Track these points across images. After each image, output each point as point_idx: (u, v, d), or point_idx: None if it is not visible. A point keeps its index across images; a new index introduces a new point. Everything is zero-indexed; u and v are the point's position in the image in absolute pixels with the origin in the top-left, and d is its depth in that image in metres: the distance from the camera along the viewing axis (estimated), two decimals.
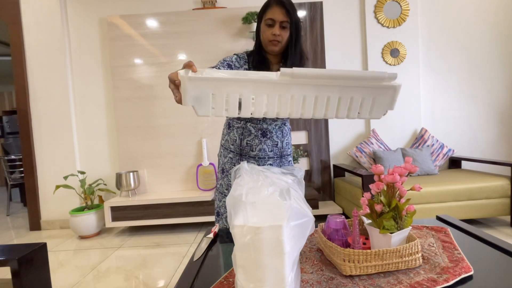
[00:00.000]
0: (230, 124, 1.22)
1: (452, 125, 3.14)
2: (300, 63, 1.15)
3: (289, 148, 1.25)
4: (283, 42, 1.09)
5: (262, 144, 1.18)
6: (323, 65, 2.95)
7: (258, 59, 1.12)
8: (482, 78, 3.12)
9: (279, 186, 0.67)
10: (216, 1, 3.00)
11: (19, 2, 2.93)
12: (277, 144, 1.20)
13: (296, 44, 1.11)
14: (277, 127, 1.20)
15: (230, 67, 1.10)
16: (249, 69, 1.14)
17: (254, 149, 1.18)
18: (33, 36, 2.96)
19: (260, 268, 0.60)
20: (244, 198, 0.63)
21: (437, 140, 2.97)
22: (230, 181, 1.22)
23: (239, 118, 1.19)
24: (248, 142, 1.18)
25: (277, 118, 1.14)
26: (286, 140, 1.23)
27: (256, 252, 0.60)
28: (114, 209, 2.71)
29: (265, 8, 1.09)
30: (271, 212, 0.61)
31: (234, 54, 1.16)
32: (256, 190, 0.65)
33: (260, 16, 1.11)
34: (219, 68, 1.05)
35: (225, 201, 1.23)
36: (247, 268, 0.61)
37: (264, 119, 1.17)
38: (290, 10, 1.06)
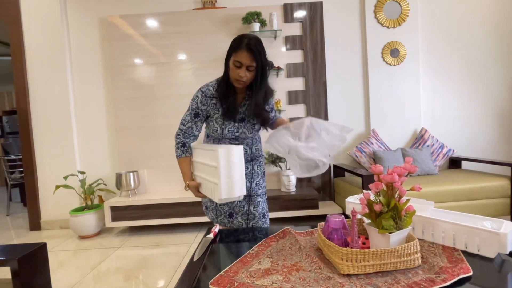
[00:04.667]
0: (208, 135, 1.38)
1: (452, 125, 3.14)
2: (264, 100, 1.26)
3: (258, 153, 1.44)
4: (248, 81, 1.20)
5: None
6: (323, 65, 2.95)
7: (225, 89, 1.23)
8: (482, 78, 3.12)
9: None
10: (216, 1, 3.00)
11: (19, 2, 2.94)
12: (246, 151, 1.37)
13: (261, 84, 1.21)
14: (248, 139, 1.37)
15: (198, 115, 1.27)
16: (217, 102, 1.26)
17: None
18: (33, 36, 2.96)
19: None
20: None
21: (437, 140, 2.97)
22: None
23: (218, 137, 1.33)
24: None
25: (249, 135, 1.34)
26: (256, 146, 1.41)
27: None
28: (114, 209, 2.71)
29: (235, 48, 1.15)
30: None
31: (201, 92, 1.25)
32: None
33: (230, 52, 1.18)
34: (190, 125, 1.27)
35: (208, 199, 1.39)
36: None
37: (238, 139, 1.34)
38: (257, 56, 1.14)
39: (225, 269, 0.80)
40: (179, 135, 1.29)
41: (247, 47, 1.12)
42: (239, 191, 1.07)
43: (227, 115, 1.25)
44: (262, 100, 1.25)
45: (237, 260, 0.86)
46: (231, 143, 1.31)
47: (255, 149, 1.43)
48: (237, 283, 0.73)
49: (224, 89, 1.22)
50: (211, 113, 1.26)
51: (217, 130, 1.27)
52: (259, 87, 1.21)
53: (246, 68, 1.15)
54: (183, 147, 1.29)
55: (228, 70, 1.20)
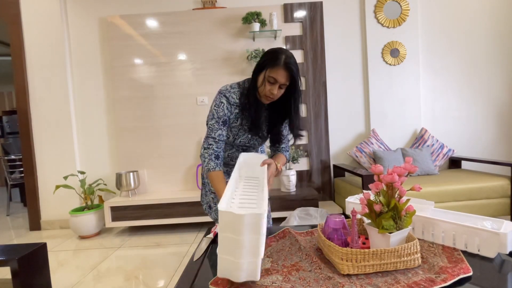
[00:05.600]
0: None
1: (452, 125, 3.14)
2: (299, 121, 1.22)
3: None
4: (276, 98, 1.14)
5: None
6: (323, 65, 2.95)
7: (255, 105, 1.15)
8: (482, 78, 3.12)
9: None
10: (216, 1, 3.00)
11: (19, 2, 2.94)
12: None
13: (298, 105, 1.17)
14: (256, 147, 1.36)
15: (225, 123, 1.18)
16: (239, 111, 1.20)
17: (233, 160, 1.33)
18: (33, 36, 2.96)
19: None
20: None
21: (437, 140, 2.97)
22: None
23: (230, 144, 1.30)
24: (230, 154, 1.32)
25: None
26: (261, 148, 1.44)
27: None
28: (114, 209, 2.71)
29: (272, 63, 1.07)
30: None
31: (225, 98, 1.17)
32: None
33: (263, 65, 1.09)
34: (220, 132, 1.17)
35: (213, 197, 1.35)
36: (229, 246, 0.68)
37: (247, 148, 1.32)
38: (295, 75, 1.08)
39: None
40: (211, 144, 1.15)
41: (286, 66, 1.05)
42: (259, 271, 0.71)
43: (252, 131, 1.21)
44: (298, 122, 1.20)
45: None
46: (238, 150, 1.31)
47: (261, 151, 1.44)
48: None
49: (254, 104, 1.15)
50: (231, 120, 1.22)
51: (229, 137, 1.24)
52: (297, 108, 1.16)
53: (279, 86, 1.09)
54: (217, 159, 1.15)
55: (257, 83, 1.13)
